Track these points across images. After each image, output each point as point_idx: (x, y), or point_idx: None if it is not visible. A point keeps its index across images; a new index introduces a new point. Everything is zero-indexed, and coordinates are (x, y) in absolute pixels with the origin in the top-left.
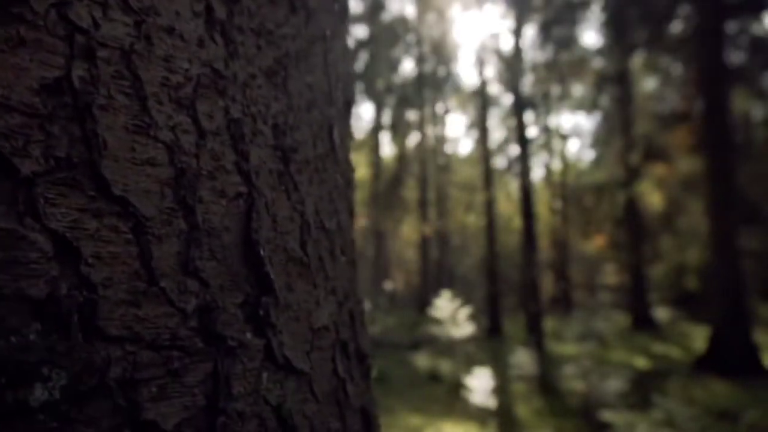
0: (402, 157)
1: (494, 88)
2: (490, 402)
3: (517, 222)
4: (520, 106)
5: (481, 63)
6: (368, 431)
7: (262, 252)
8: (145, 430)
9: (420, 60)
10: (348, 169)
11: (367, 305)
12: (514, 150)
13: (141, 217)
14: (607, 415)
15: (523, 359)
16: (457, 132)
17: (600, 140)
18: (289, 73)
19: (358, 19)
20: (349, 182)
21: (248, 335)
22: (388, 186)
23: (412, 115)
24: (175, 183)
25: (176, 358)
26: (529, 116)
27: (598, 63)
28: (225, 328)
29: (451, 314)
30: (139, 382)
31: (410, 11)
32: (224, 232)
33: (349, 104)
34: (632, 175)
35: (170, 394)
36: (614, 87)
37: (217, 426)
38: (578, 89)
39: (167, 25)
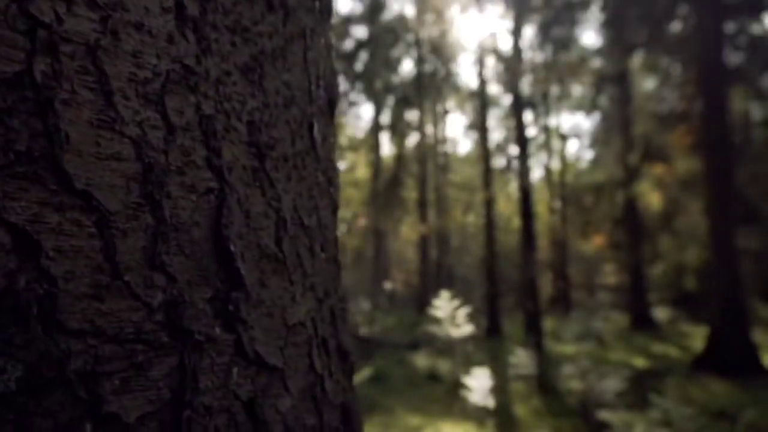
0: (401, 157)
1: (493, 88)
2: (488, 402)
3: (517, 222)
4: (519, 106)
5: (480, 63)
6: (348, 427)
7: (232, 247)
8: (106, 422)
9: (419, 60)
10: (330, 166)
11: (366, 305)
12: (514, 150)
13: (105, 211)
14: (606, 415)
15: (522, 359)
16: (456, 132)
17: (599, 140)
18: (266, 70)
19: (358, 19)
20: (331, 180)
21: (217, 330)
22: (388, 186)
23: (411, 115)
24: (142, 178)
25: (140, 352)
26: (528, 116)
27: (597, 63)
28: (192, 323)
29: (450, 314)
30: (101, 375)
31: (410, 11)
32: (193, 227)
33: (332, 102)
34: (631, 175)
35: (134, 387)
36: (613, 87)
37: (182, 419)
38: (577, 89)
39: (135, 20)
